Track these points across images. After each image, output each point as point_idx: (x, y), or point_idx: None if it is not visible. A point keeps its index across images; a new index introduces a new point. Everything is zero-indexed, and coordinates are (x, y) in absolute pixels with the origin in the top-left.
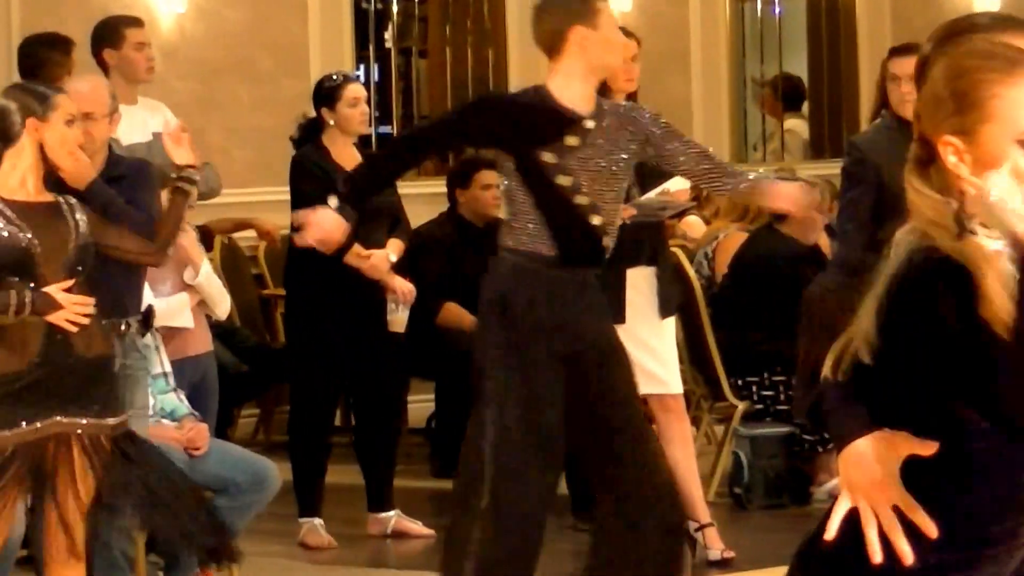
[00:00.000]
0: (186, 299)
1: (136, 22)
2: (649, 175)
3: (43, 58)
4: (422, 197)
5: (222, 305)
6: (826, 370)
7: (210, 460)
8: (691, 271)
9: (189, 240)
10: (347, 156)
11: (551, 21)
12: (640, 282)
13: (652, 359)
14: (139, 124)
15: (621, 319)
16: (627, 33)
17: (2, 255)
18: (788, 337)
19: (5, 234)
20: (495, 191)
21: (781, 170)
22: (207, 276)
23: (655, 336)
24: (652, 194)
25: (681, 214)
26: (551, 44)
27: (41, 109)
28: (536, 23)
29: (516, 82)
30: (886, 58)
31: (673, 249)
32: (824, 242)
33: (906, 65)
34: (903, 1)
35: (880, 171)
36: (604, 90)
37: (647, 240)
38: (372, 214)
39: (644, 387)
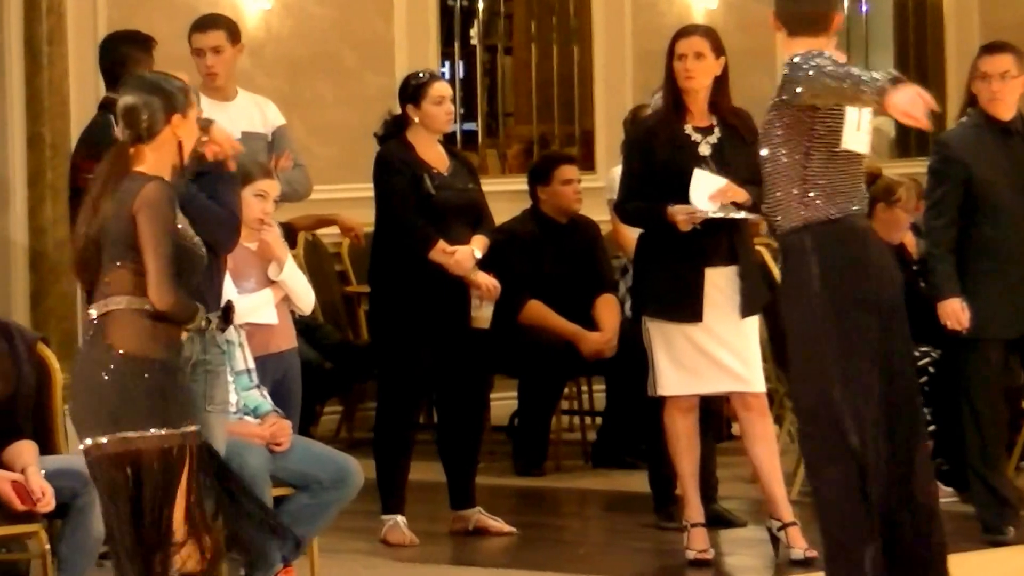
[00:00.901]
0: (270, 295)
1: (199, 26)
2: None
3: (124, 54)
4: (505, 194)
5: (306, 300)
6: None
7: (293, 457)
8: (775, 269)
9: (273, 236)
10: (432, 153)
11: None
12: (720, 280)
13: (733, 357)
14: (239, 117)
15: (699, 317)
16: (689, 31)
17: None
18: None
19: (190, 233)
20: (576, 186)
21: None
22: (291, 272)
23: (736, 334)
24: (711, 190)
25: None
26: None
27: (183, 104)
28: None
29: (600, 79)
30: (976, 56)
31: (759, 248)
32: (909, 240)
33: (997, 63)
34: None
35: (967, 169)
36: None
37: (725, 237)
38: (456, 211)
39: (726, 385)
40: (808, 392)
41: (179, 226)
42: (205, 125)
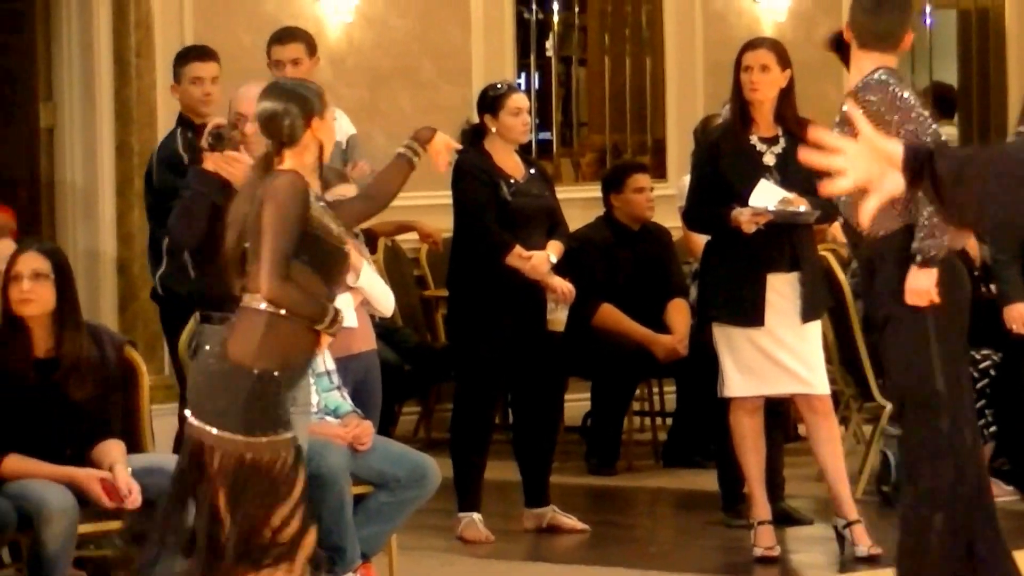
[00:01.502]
0: (349, 299)
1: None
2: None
3: (175, 67)
4: (578, 202)
5: (385, 304)
6: None
7: (372, 456)
8: (841, 274)
9: (350, 245)
10: (509, 163)
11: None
12: (782, 286)
13: (795, 360)
14: None
15: (760, 322)
16: (756, 44)
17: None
18: None
19: (334, 233)
20: (648, 194)
21: None
22: (370, 277)
23: (798, 338)
24: (772, 202)
25: (831, 219)
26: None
27: (320, 107)
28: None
29: (672, 90)
30: None
31: (823, 253)
32: (972, 245)
33: None
34: None
35: None
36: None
37: (787, 245)
38: (532, 218)
39: (789, 387)
40: (915, 386)
41: (326, 224)
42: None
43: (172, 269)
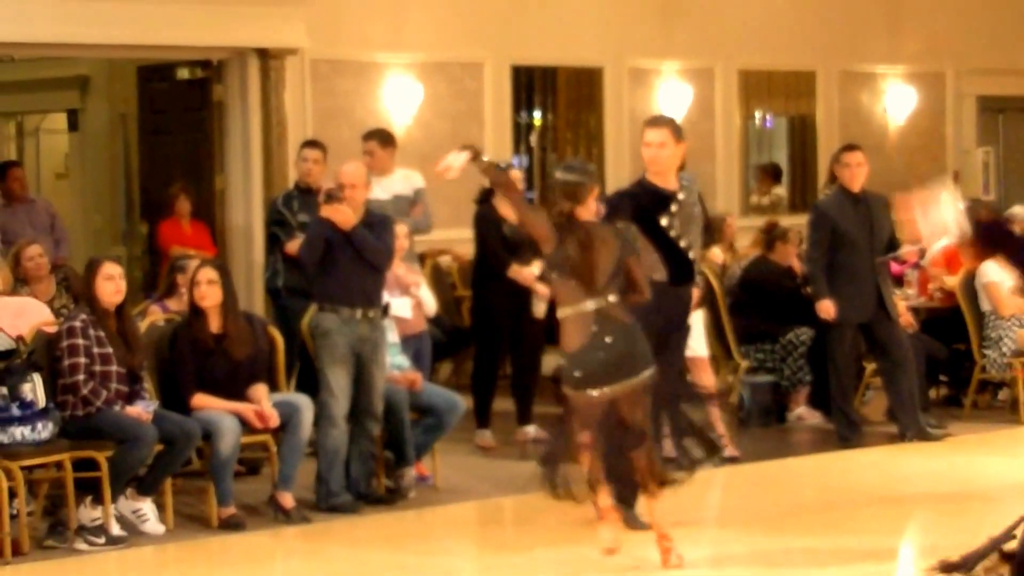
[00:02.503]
0: (408, 302)
1: (365, 137)
2: None
3: (302, 154)
4: None
5: (430, 305)
6: None
7: (423, 395)
8: (715, 281)
9: (407, 270)
10: (509, 212)
11: None
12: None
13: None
14: (395, 186)
15: None
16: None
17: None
18: (776, 322)
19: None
20: None
21: None
22: (422, 288)
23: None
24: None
25: (708, 246)
26: None
27: (596, 180)
28: None
29: (610, 168)
30: (838, 152)
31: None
32: (796, 263)
33: (854, 156)
34: None
35: (833, 221)
36: None
37: None
38: (524, 245)
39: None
40: None
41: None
42: (336, 195)
43: (287, 277)
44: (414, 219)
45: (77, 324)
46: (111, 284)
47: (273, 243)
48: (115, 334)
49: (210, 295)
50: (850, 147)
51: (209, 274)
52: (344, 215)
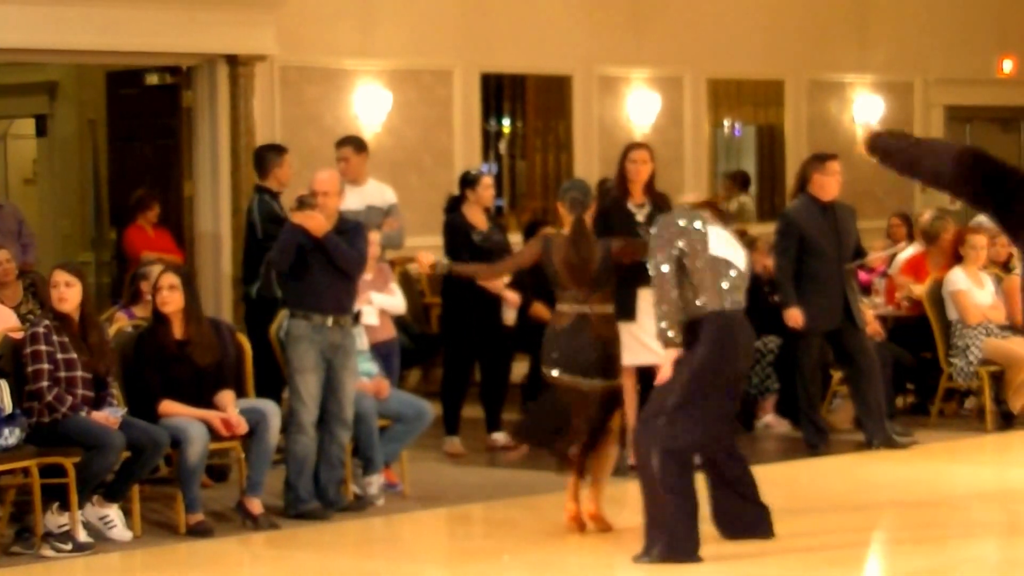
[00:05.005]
0: (373, 308)
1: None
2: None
3: (265, 157)
4: (518, 244)
5: (400, 308)
6: None
7: (391, 401)
8: None
9: (378, 272)
10: (478, 219)
11: None
12: (647, 295)
13: (651, 340)
14: (368, 197)
15: (632, 317)
16: (638, 144)
17: None
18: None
19: None
20: None
21: None
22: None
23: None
24: None
25: None
26: None
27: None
28: None
29: (579, 173)
30: (808, 161)
31: None
32: (767, 268)
33: (831, 167)
34: None
35: (802, 229)
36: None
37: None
38: (492, 253)
39: (647, 358)
40: None
41: None
42: (309, 202)
43: (265, 283)
44: (387, 232)
45: (40, 330)
46: (55, 291)
47: (260, 249)
48: (79, 339)
49: (172, 300)
50: (832, 156)
51: (171, 279)
52: (317, 221)
